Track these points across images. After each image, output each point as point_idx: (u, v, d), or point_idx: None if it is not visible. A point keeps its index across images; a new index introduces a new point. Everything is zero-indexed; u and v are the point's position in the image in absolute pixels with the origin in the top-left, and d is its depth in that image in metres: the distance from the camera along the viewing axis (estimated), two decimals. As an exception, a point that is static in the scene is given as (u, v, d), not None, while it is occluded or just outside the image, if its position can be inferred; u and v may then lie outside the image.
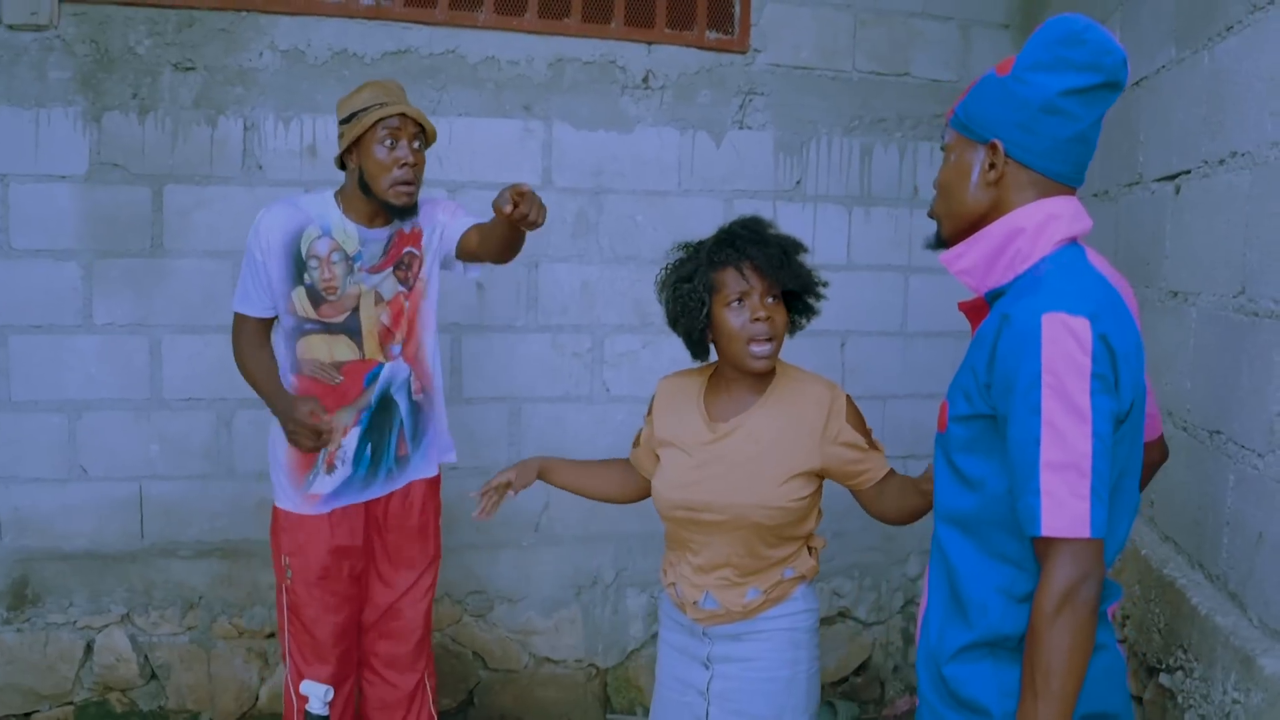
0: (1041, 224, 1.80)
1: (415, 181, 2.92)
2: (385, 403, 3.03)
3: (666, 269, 2.54)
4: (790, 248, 2.46)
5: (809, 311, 2.55)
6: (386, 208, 2.91)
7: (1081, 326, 1.65)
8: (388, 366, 3.02)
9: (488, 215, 3.86)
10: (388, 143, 2.86)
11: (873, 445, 2.50)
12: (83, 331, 3.67)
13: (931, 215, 2.01)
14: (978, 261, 1.87)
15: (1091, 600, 1.65)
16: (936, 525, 1.96)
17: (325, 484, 3.00)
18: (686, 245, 2.54)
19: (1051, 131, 1.80)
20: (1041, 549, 1.69)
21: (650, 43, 3.99)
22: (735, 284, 2.39)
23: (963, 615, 1.85)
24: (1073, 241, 1.84)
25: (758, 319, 2.38)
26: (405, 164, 2.87)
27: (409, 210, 2.94)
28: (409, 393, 3.07)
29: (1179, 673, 2.31)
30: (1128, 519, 1.83)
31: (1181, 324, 2.56)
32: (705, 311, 2.42)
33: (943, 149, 1.98)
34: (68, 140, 3.60)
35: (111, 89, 3.61)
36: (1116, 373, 1.68)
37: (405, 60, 3.80)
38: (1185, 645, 2.31)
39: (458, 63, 3.85)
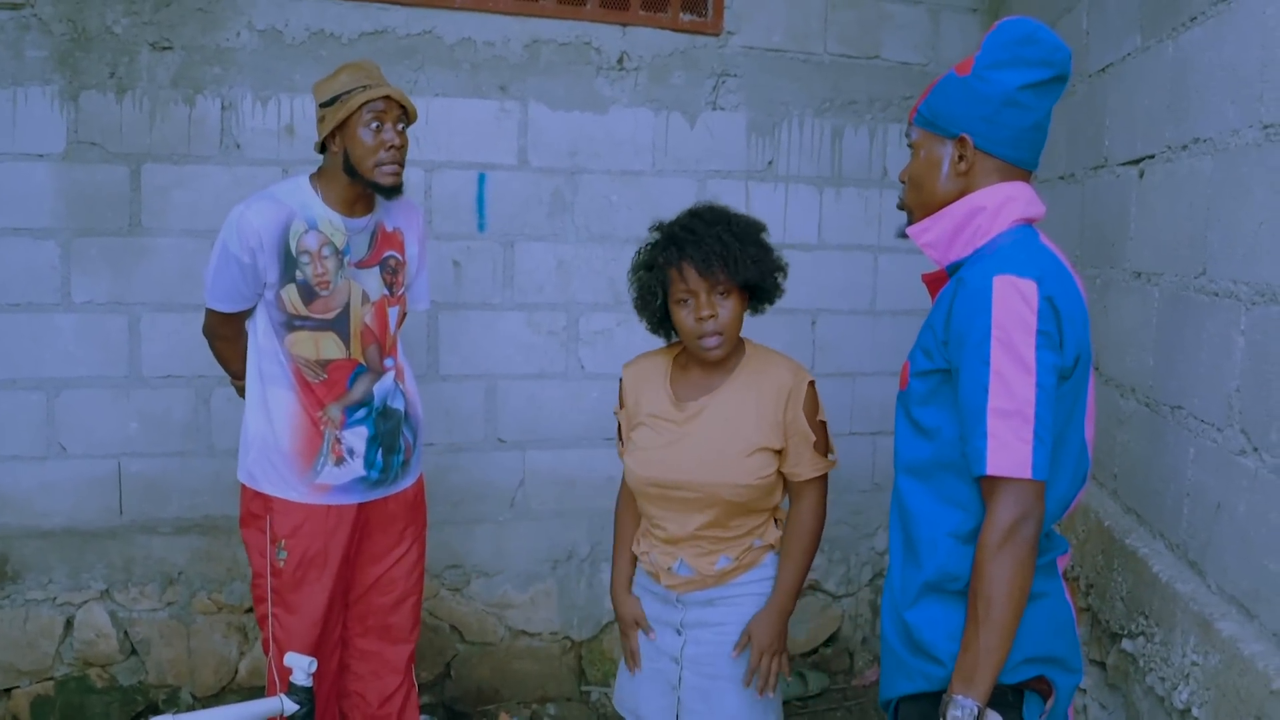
0: (1000, 205, 2.00)
1: (402, 162, 2.93)
2: (386, 412, 3.05)
3: (639, 252, 2.60)
4: (736, 240, 2.46)
5: (769, 296, 2.58)
6: (375, 188, 2.91)
7: (1029, 288, 1.84)
8: (382, 379, 3.05)
9: (461, 198, 3.93)
10: (374, 126, 2.84)
11: (817, 448, 2.56)
12: (61, 310, 3.68)
13: (902, 207, 2.20)
14: (942, 236, 2.06)
15: (1031, 538, 1.83)
16: (896, 478, 2.12)
17: (334, 475, 2.98)
18: (660, 226, 2.58)
19: (1013, 122, 2.00)
20: (987, 489, 1.87)
21: (625, 24, 4.03)
22: (679, 283, 2.45)
23: (915, 557, 2.02)
24: (1027, 224, 2.03)
25: (701, 318, 2.44)
26: (392, 146, 2.87)
27: (395, 190, 2.95)
28: (403, 398, 3.12)
29: (1140, 638, 2.41)
30: (1071, 474, 2.00)
31: (1145, 303, 2.64)
32: (659, 302, 2.53)
33: (910, 145, 2.15)
34: (45, 119, 3.60)
35: (89, 68, 3.62)
36: (1061, 331, 1.86)
37: (382, 41, 3.82)
38: (1147, 612, 2.40)
39: (434, 43, 3.88)
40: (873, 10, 4.25)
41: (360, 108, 2.84)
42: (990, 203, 2.00)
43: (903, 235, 2.21)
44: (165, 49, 3.67)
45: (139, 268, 3.73)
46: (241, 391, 3.10)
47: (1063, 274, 1.94)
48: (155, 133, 3.70)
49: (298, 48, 3.76)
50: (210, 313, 3.02)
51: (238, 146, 3.76)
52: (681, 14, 4.07)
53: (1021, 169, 2.05)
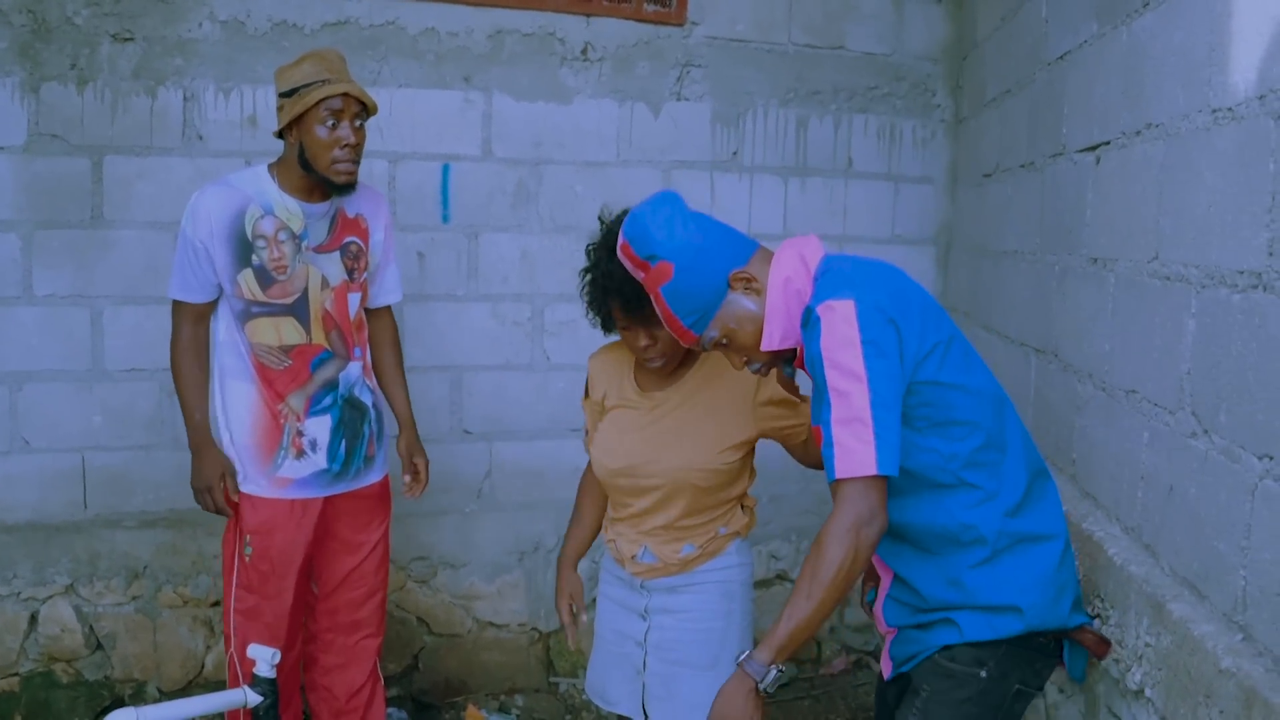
0: (794, 261, 2.16)
1: (357, 159, 2.93)
2: (353, 402, 3.06)
3: (589, 251, 2.54)
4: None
5: None
6: (328, 185, 2.90)
7: (845, 306, 1.98)
8: (349, 366, 3.05)
9: (425, 189, 3.90)
10: (330, 123, 2.83)
11: (803, 399, 2.56)
12: (23, 303, 3.65)
13: (755, 369, 2.27)
14: (785, 326, 2.15)
15: (873, 537, 1.97)
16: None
17: (295, 469, 2.99)
18: (603, 221, 2.52)
19: (721, 239, 2.20)
20: (836, 491, 1.98)
21: (589, 15, 4.03)
22: (619, 316, 2.46)
23: (954, 546, 2.18)
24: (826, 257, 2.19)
25: (641, 347, 2.47)
26: (348, 144, 2.86)
27: (349, 187, 2.95)
28: (370, 391, 3.11)
29: (1096, 620, 2.43)
30: (1013, 436, 2.21)
31: (1101, 289, 2.66)
32: (608, 315, 2.49)
33: (718, 346, 2.24)
34: (5, 111, 3.57)
35: (49, 59, 3.59)
36: (899, 329, 2.01)
37: (345, 31, 3.80)
38: (1103, 595, 2.42)
39: (397, 34, 3.87)
40: (837, 0, 4.26)
41: (318, 104, 2.82)
42: (789, 269, 2.14)
43: (791, 375, 2.36)
44: (126, 40, 3.64)
45: (101, 260, 3.70)
46: (193, 442, 3.05)
47: (885, 274, 2.13)
48: (117, 124, 3.67)
49: (260, 38, 3.74)
50: (178, 313, 2.98)
51: (200, 138, 3.74)
52: (645, 4, 4.07)
53: (756, 245, 2.25)
